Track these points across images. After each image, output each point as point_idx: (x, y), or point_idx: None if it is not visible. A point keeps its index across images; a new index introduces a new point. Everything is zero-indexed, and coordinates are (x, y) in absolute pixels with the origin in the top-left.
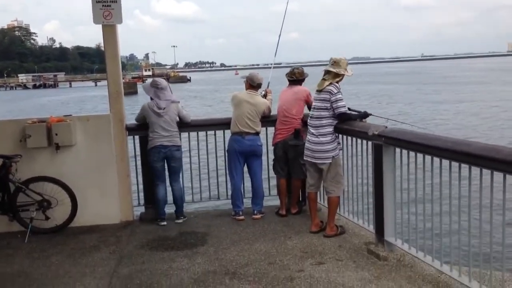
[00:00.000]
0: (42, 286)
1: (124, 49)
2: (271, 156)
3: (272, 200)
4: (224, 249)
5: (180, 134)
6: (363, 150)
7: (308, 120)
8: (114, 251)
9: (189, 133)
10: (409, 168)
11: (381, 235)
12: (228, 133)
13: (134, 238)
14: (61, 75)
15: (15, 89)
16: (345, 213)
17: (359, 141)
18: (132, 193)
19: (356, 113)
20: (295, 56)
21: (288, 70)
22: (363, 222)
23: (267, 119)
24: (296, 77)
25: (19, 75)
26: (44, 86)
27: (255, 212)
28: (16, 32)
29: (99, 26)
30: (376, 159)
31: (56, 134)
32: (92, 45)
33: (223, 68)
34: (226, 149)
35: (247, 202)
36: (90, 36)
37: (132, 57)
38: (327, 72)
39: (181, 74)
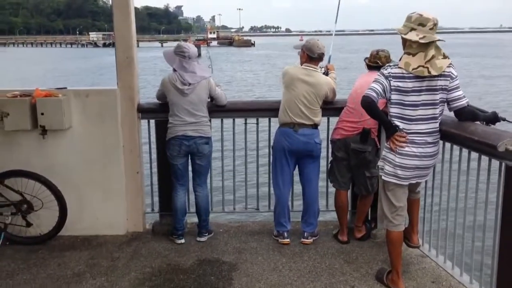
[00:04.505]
0: None
1: (191, 11)
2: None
3: (330, 213)
4: None
5: (210, 122)
6: (482, 171)
7: (409, 125)
8: (101, 287)
9: (222, 120)
10: None
11: None
12: (275, 122)
13: (134, 265)
14: None
15: (86, 46)
16: (444, 260)
17: (473, 154)
18: (145, 196)
19: (480, 112)
20: (362, 22)
21: (353, 37)
22: (470, 281)
23: (329, 106)
24: (381, 63)
25: (90, 33)
26: (113, 45)
27: (306, 234)
28: None
29: None
30: (509, 189)
31: (42, 114)
32: (161, 5)
33: (287, 33)
34: (271, 145)
35: (295, 218)
36: None
37: (198, 19)
38: (429, 44)
39: (245, 38)
